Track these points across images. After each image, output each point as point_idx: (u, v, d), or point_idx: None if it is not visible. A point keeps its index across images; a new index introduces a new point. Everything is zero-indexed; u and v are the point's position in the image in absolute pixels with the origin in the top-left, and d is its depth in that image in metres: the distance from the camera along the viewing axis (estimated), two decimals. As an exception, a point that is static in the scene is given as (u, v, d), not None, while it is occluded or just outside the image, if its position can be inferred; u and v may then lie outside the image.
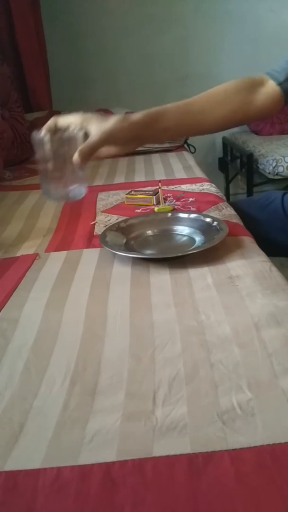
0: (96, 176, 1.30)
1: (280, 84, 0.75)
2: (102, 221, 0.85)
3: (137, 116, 0.70)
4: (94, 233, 0.79)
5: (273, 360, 0.42)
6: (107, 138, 0.68)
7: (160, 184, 0.92)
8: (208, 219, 0.75)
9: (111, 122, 0.69)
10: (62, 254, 0.72)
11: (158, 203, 0.93)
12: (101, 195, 1.05)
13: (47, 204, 0.99)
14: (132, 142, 0.71)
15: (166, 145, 1.61)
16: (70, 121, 0.72)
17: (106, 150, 0.71)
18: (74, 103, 2.09)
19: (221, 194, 0.98)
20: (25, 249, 0.75)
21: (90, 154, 0.68)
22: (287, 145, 2.25)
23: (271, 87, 0.76)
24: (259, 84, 0.76)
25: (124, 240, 0.72)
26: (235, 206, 0.92)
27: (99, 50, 2.41)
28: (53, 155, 0.72)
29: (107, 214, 0.90)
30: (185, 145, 1.68)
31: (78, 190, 0.74)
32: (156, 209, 0.87)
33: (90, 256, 0.69)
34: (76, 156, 0.67)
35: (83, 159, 0.67)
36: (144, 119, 0.70)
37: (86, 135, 0.70)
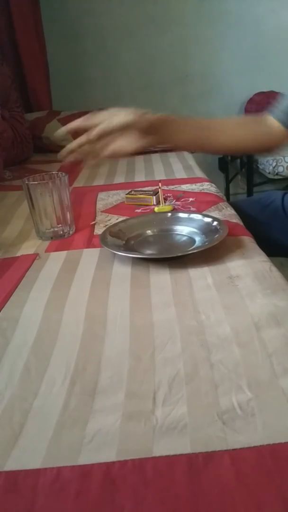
0: (96, 176, 1.30)
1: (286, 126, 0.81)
2: (102, 221, 0.85)
3: (158, 113, 0.74)
4: (94, 233, 0.79)
5: (273, 360, 0.42)
6: (128, 122, 0.69)
7: (160, 184, 0.92)
8: (208, 219, 0.75)
9: (133, 110, 0.71)
10: (62, 254, 0.72)
11: (158, 203, 0.93)
12: (101, 195, 1.05)
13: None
14: (149, 136, 0.72)
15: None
16: (98, 119, 0.72)
17: (122, 143, 0.71)
18: (74, 103, 2.10)
19: (221, 194, 0.98)
20: (25, 249, 0.75)
21: (108, 132, 0.69)
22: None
23: (275, 126, 0.82)
24: (264, 121, 0.83)
25: (124, 240, 0.72)
26: (235, 206, 0.92)
27: (99, 50, 2.41)
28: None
29: (107, 214, 0.90)
30: (185, 145, 1.68)
31: None
32: (156, 209, 0.87)
33: (90, 256, 0.69)
34: (94, 132, 0.69)
35: (100, 136, 0.69)
36: (163, 116, 0.74)
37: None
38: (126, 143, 0.72)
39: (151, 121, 0.71)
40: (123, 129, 0.70)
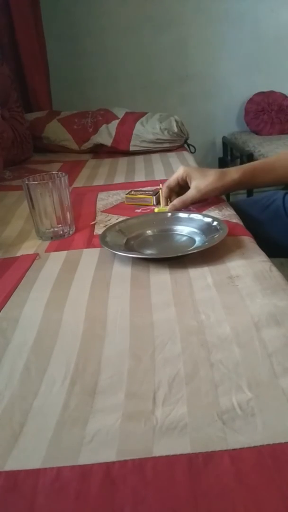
0: (96, 176, 1.30)
1: None
2: (102, 221, 0.85)
3: (235, 175, 0.83)
4: (94, 233, 0.79)
5: (273, 360, 0.42)
6: (202, 196, 0.84)
7: (160, 184, 0.92)
8: (208, 219, 0.75)
9: (209, 180, 0.83)
10: (62, 254, 0.72)
11: (158, 203, 0.93)
12: (101, 195, 1.05)
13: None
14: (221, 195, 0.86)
15: (166, 145, 1.62)
16: (173, 179, 0.87)
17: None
18: (74, 103, 2.10)
19: (221, 194, 0.98)
20: (25, 249, 0.75)
21: (182, 207, 0.84)
22: (287, 145, 2.25)
23: None
24: None
25: (124, 240, 0.72)
26: (235, 206, 0.92)
27: (99, 50, 2.41)
28: None
29: (107, 214, 0.90)
30: (185, 145, 1.68)
31: None
32: (156, 210, 0.87)
33: (90, 256, 0.69)
34: (170, 206, 0.84)
35: (173, 209, 0.83)
36: (242, 178, 0.83)
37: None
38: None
39: (215, 194, 0.85)
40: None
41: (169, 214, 0.81)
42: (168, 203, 0.87)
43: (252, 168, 0.86)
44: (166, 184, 0.88)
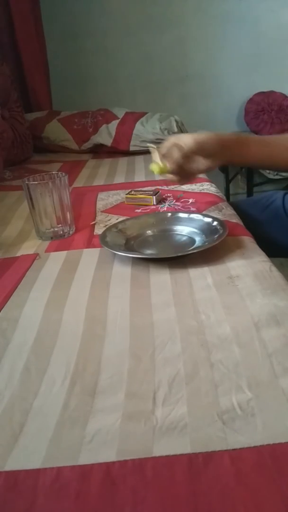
0: (96, 176, 1.30)
1: None
2: (102, 221, 0.85)
3: (226, 133, 0.79)
4: (94, 233, 0.79)
5: (273, 360, 0.42)
6: (198, 144, 0.75)
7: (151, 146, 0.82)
8: (208, 219, 0.75)
9: (202, 133, 0.76)
10: (62, 254, 0.72)
11: (159, 202, 0.93)
12: (101, 195, 1.05)
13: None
14: (220, 153, 0.77)
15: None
16: (165, 145, 0.78)
17: (197, 162, 0.77)
18: (74, 103, 2.09)
19: (221, 194, 0.98)
20: (25, 249, 0.75)
21: (182, 159, 0.75)
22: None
23: None
24: None
25: (124, 240, 0.72)
26: (235, 206, 0.92)
27: (99, 50, 2.41)
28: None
29: (107, 214, 0.90)
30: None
31: None
32: (155, 169, 0.78)
33: (90, 256, 0.69)
34: (172, 164, 0.76)
35: (175, 164, 0.76)
36: (232, 135, 0.79)
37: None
38: (196, 164, 0.77)
39: (213, 146, 0.76)
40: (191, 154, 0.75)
41: (169, 214, 0.81)
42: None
43: (246, 135, 0.83)
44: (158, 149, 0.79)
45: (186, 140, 0.75)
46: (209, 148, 0.76)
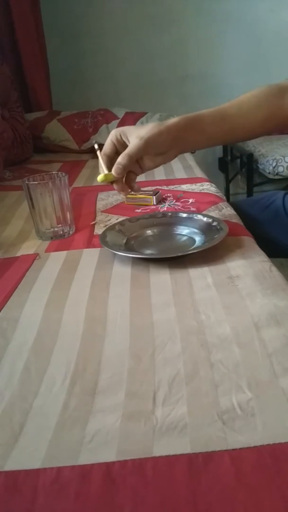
0: (96, 176, 1.30)
1: None
2: (102, 221, 0.85)
3: (174, 119, 0.69)
4: (94, 233, 0.79)
5: (273, 360, 0.42)
6: (147, 144, 0.66)
7: (98, 152, 0.73)
8: (208, 219, 0.75)
9: (148, 127, 0.67)
10: (62, 254, 0.72)
11: (159, 202, 0.93)
12: (101, 195, 1.05)
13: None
14: (172, 147, 0.69)
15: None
16: (108, 143, 0.71)
17: (147, 161, 0.69)
18: (74, 103, 2.10)
19: (221, 194, 0.98)
20: (25, 249, 0.75)
21: (129, 164, 0.67)
22: (287, 145, 2.25)
23: None
24: (287, 90, 0.74)
25: (124, 240, 0.72)
26: (235, 206, 0.92)
27: (99, 50, 2.41)
28: None
29: (107, 214, 0.90)
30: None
31: None
32: (99, 179, 0.69)
33: (90, 256, 0.69)
34: (115, 168, 0.66)
35: (122, 171, 0.67)
36: (181, 121, 0.69)
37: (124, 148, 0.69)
38: (151, 159, 0.69)
39: (164, 143, 0.68)
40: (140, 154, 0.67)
41: (169, 213, 0.81)
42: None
43: (197, 113, 0.71)
44: (102, 152, 0.71)
45: (132, 140, 0.66)
46: (160, 146, 0.68)
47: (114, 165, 0.67)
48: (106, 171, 0.68)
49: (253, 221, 0.92)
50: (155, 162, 0.70)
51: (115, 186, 0.70)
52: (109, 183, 0.69)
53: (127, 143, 0.69)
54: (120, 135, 0.69)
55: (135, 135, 0.67)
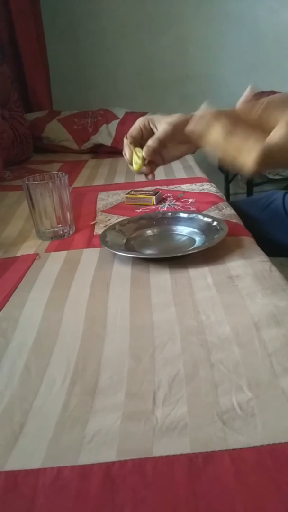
0: (96, 176, 1.30)
1: None
2: (102, 221, 0.85)
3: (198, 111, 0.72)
4: (94, 233, 0.79)
5: (273, 360, 0.42)
6: (175, 129, 0.69)
7: (125, 139, 0.75)
8: (208, 219, 0.75)
9: (176, 115, 0.70)
10: (62, 254, 0.72)
11: (159, 202, 0.93)
12: (101, 195, 1.05)
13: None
14: (190, 142, 0.70)
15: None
16: (136, 127, 0.74)
17: (172, 150, 0.72)
18: (74, 103, 2.09)
19: (221, 194, 0.98)
20: (25, 249, 0.75)
21: (158, 148, 0.70)
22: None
23: None
24: None
25: (124, 240, 0.72)
26: (235, 206, 0.92)
27: (99, 50, 2.41)
28: None
29: (107, 214, 0.90)
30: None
31: None
32: (134, 167, 0.73)
33: (90, 256, 0.69)
34: (145, 151, 0.70)
35: (151, 154, 0.70)
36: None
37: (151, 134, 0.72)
38: (173, 150, 0.73)
39: (184, 133, 0.68)
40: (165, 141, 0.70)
41: (169, 213, 0.81)
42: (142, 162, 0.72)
43: (220, 109, 0.71)
44: (128, 134, 0.74)
45: (161, 126, 0.69)
46: (186, 134, 0.68)
47: (144, 147, 0.70)
48: (137, 162, 0.72)
49: (253, 221, 0.92)
50: (179, 151, 0.73)
51: (144, 169, 0.73)
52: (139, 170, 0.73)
53: (154, 130, 0.72)
54: (149, 122, 0.72)
55: (163, 122, 0.70)
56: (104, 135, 1.66)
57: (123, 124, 1.66)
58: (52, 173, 0.80)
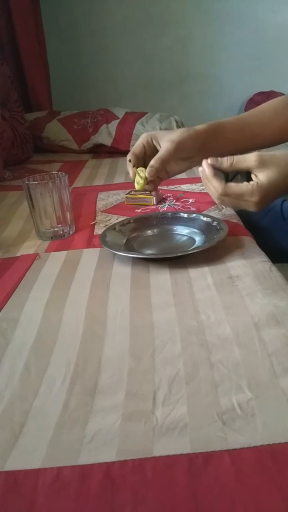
0: (96, 176, 1.30)
1: None
2: (102, 221, 0.85)
3: (201, 126, 0.74)
4: (94, 233, 0.79)
5: (273, 360, 0.42)
6: (178, 147, 0.70)
7: (127, 160, 0.77)
8: (208, 219, 0.75)
9: (178, 132, 0.71)
10: (62, 254, 0.72)
11: (159, 203, 0.93)
12: (101, 195, 1.05)
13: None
14: (199, 152, 0.73)
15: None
16: (138, 145, 0.75)
17: (174, 165, 0.74)
18: (74, 103, 2.10)
19: (221, 194, 0.98)
20: (25, 249, 0.75)
21: (161, 168, 0.72)
22: (287, 145, 2.25)
23: None
24: None
25: (124, 240, 0.72)
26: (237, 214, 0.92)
27: (99, 50, 2.41)
28: None
29: (107, 214, 0.90)
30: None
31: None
32: (137, 186, 0.75)
33: (90, 256, 0.69)
34: (148, 171, 0.71)
35: (155, 173, 0.71)
36: (208, 127, 0.74)
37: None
38: (178, 164, 0.75)
39: (192, 148, 0.72)
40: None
41: (169, 213, 0.81)
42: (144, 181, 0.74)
43: (221, 120, 0.76)
44: (130, 152, 0.76)
45: (163, 144, 0.70)
46: (189, 151, 0.72)
47: (147, 168, 0.72)
48: (139, 182, 0.74)
49: (253, 227, 0.91)
50: (181, 167, 0.75)
51: (147, 187, 0.76)
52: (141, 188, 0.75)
53: (157, 146, 0.73)
54: (152, 139, 0.74)
55: (166, 139, 0.71)
56: (104, 135, 1.66)
57: (123, 124, 1.66)
58: (52, 173, 0.80)
